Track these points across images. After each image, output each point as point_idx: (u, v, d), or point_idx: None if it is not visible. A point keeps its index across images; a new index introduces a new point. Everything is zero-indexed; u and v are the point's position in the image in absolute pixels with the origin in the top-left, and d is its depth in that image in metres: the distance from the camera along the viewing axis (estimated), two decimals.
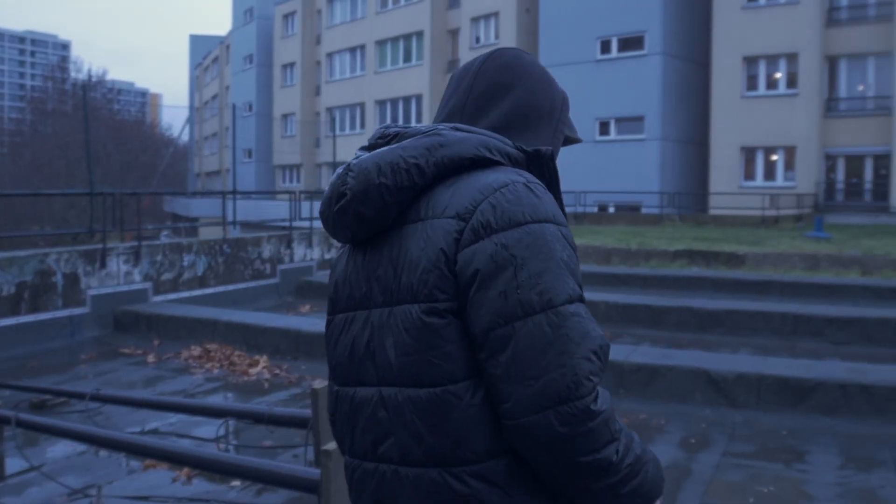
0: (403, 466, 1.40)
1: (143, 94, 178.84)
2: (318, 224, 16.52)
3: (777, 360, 7.69)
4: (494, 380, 1.31)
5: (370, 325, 1.46)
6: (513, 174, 1.41)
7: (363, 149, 1.53)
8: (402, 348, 1.39)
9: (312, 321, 9.82)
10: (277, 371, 8.26)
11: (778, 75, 30.80)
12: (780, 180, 30.73)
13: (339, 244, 1.64)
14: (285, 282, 13.55)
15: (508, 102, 1.57)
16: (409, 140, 1.45)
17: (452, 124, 1.49)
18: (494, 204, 1.35)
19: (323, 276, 14.26)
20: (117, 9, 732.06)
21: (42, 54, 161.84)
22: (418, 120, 43.67)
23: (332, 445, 3.42)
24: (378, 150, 1.46)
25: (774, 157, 31.04)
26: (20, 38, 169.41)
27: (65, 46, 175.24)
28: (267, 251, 13.22)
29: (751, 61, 30.99)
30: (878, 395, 6.38)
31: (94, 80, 71.56)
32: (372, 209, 1.42)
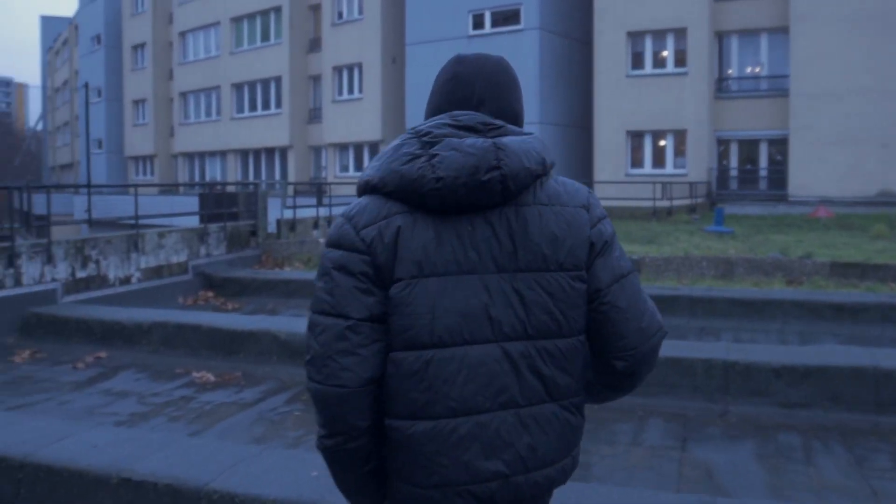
0: (526, 408, 1.75)
1: (8, 83, 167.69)
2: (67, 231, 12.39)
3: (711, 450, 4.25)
4: (613, 322, 1.83)
5: (485, 289, 1.73)
6: None
7: (454, 126, 1.80)
8: (542, 307, 1.76)
9: None
10: None
11: (665, 53, 28.01)
12: (670, 167, 27.90)
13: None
14: (5, 316, 9.43)
15: (522, 111, 1.99)
16: (528, 137, 1.83)
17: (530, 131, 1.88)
18: (594, 201, 1.90)
19: (72, 307, 10.21)
20: None
21: None
22: (278, 105, 39.49)
23: None
24: (514, 139, 1.79)
25: (663, 142, 28.22)
26: None
27: None
28: None
29: (636, 37, 28.09)
30: None
31: None
32: (517, 187, 1.75)
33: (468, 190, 1.70)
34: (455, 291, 1.71)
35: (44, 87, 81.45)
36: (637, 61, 28.24)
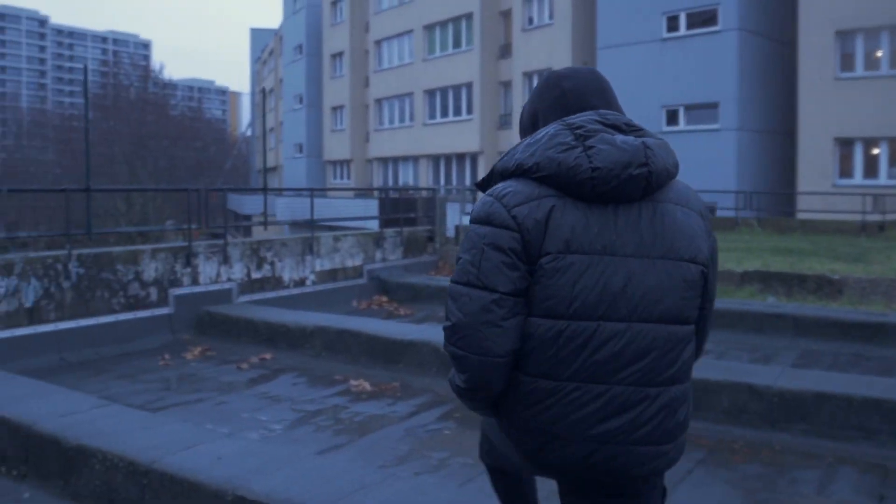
0: (640, 387, 1.88)
1: (223, 91, 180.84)
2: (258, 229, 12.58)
3: None
4: (702, 327, 2.08)
5: (626, 271, 1.87)
6: None
7: (602, 123, 1.96)
8: (678, 293, 1.91)
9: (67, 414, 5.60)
10: None
11: (879, 53, 25.79)
12: (883, 178, 25.60)
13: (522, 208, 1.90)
14: (182, 313, 9.62)
15: None
16: (663, 140, 2.00)
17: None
18: (707, 211, 2.05)
19: (243, 308, 10.31)
20: (172, 9, 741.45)
21: (125, 54, 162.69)
22: (469, 111, 39.64)
23: None
24: (655, 141, 1.96)
25: (876, 151, 25.97)
26: (102, 38, 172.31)
27: (146, 45, 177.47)
28: (151, 270, 9.25)
29: (845, 36, 26.01)
30: None
31: (155, 75, 71.52)
32: (657, 183, 1.92)
33: (619, 182, 1.86)
34: (597, 270, 1.86)
35: (252, 95, 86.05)
36: (847, 62, 26.15)
